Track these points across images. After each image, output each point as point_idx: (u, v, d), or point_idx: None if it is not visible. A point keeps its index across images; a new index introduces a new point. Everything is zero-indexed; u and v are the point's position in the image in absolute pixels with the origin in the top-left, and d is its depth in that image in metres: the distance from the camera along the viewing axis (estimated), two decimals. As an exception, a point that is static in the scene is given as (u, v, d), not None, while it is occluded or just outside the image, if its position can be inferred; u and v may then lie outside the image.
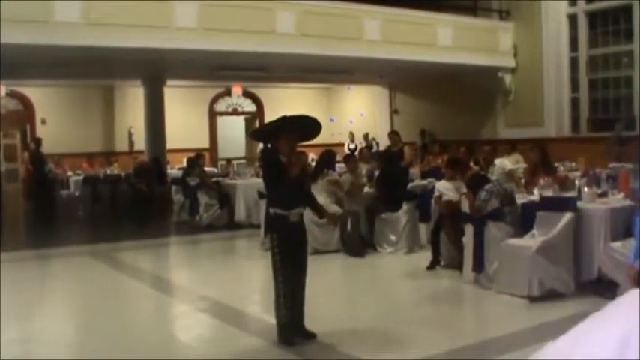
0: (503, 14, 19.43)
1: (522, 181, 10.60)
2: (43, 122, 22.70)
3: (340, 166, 14.72)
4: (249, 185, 14.36)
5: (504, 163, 10.53)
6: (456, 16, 18.61)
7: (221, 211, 14.94)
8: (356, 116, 26.19)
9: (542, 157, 10.55)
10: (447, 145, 15.36)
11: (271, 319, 6.47)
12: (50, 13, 12.76)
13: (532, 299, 7.63)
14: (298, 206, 6.42)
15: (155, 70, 18.21)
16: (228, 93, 25.79)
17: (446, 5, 18.73)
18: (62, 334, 7.42)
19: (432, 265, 9.76)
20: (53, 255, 12.50)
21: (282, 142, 6.29)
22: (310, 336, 6.43)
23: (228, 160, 18.80)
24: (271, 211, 6.43)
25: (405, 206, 10.93)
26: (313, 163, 13.07)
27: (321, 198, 11.19)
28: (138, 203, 17.13)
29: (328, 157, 11.95)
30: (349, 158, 12.69)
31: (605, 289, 7.64)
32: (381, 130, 23.42)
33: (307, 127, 6.49)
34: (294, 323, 6.43)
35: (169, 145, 19.24)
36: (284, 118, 6.31)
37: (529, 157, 11.26)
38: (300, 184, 6.44)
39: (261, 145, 19.32)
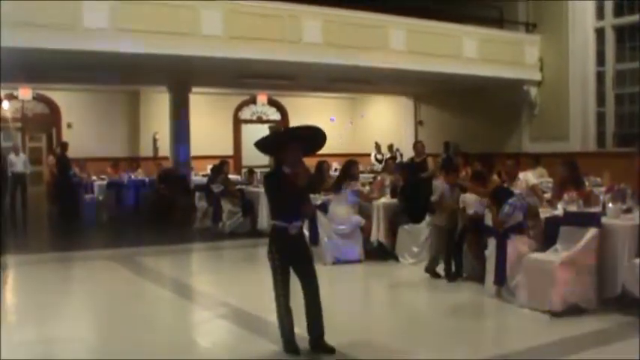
0: (530, 27, 19.37)
1: (546, 195, 10.52)
2: (69, 126, 22.89)
3: (364, 177, 14.70)
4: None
5: (528, 176, 10.48)
6: (481, 28, 18.58)
7: (244, 219, 14.96)
8: (356, 119, 26.34)
9: (572, 171, 10.46)
10: (469, 157, 15.28)
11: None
12: (78, 19, 12.88)
13: (554, 314, 7.57)
14: (298, 219, 6.37)
15: (181, 76, 18.31)
16: (253, 101, 25.91)
17: (472, 17, 18.69)
18: (83, 336, 7.47)
19: (454, 277, 9.73)
20: (76, 258, 12.60)
21: (285, 153, 6.27)
22: (329, 351, 6.29)
23: (251, 170, 18.85)
24: (271, 222, 6.44)
25: (427, 218, 10.87)
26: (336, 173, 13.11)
27: (342, 208, 11.20)
28: (161, 209, 17.21)
29: (350, 167, 11.96)
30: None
31: (628, 306, 7.60)
32: (405, 141, 23.37)
33: (312, 138, 6.44)
34: (313, 337, 6.33)
35: (194, 152, 19.32)
36: (287, 130, 6.31)
37: (557, 171, 11.17)
38: (301, 197, 6.38)
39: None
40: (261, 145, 6.54)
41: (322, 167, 12.18)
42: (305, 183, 6.29)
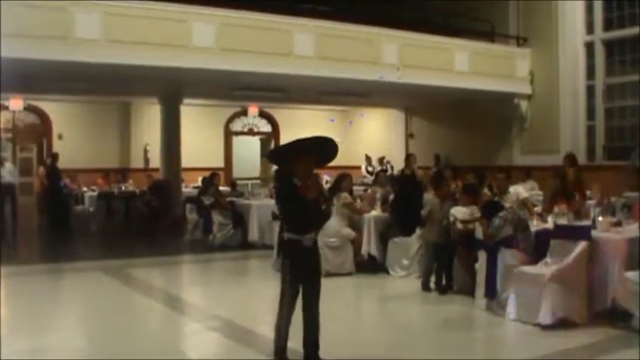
0: (521, 41, 19.45)
1: (537, 208, 10.56)
2: (60, 137, 22.84)
3: (355, 189, 14.69)
4: (263, 206, 14.38)
5: (519, 190, 10.51)
6: (473, 41, 18.64)
7: (234, 231, 14.94)
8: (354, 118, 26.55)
9: (563, 185, 10.52)
10: (460, 170, 15.37)
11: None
12: (71, 30, 12.90)
13: (544, 327, 7.57)
14: (311, 231, 6.24)
15: (172, 88, 18.32)
16: (244, 113, 25.91)
17: (463, 30, 18.77)
18: (72, 348, 7.42)
19: (444, 290, 9.74)
20: (66, 270, 12.55)
21: (298, 164, 6.13)
22: None
23: (234, 183, 18.94)
24: (285, 235, 6.26)
25: (417, 231, 10.88)
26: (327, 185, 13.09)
27: (335, 221, 11.19)
28: (152, 220, 17.21)
29: (342, 180, 11.97)
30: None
31: (618, 319, 7.61)
32: (396, 154, 23.41)
33: (324, 149, 6.32)
34: (308, 352, 6.25)
35: (185, 164, 19.31)
36: (300, 140, 6.19)
37: (549, 184, 11.21)
38: (314, 208, 6.25)
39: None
40: (273, 156, 6.54)
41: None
42: (317, 195, 6.19)
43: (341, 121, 27.38)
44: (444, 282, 9.83)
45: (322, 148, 6.32)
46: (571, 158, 13.98)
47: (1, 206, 18.63)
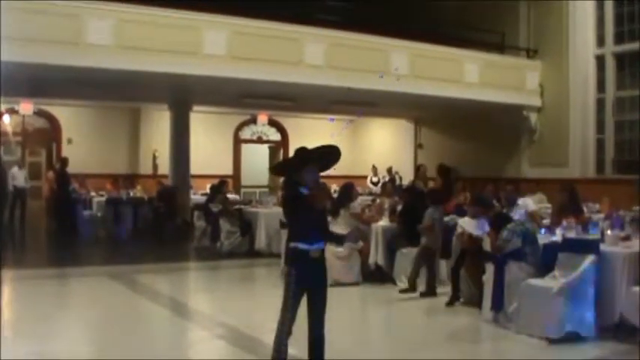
0: (531, 52, 19.42)
1: (545, 221, 10.53)
2: (69, 142, 22.86)
3: (363, 199, 14.68)
4: (271, 214, 14.38)
5: (528, 202, 10.49)
6: (483, 52, 18.63)
7: (242, 239, 14.93)
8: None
9: (571, 198, 10.48)
10: (471, 181, 15.37)
11: (290, 349, 6.20)
12: (82, 36, 12.94)
13: (551, 341, 7.56)
14: (320, 241, 6.12)
15: (182, 95, 18.36)
16: (253, 121, 25.89)
17: (473, 42, 18.75)
18: (78, 353, 7.43)
19: (451, 302, 9.72)
20: (73, 274, 12.58)
21: (303, 174, 6.05)
22: None
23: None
24: (291, 245, 6.10)
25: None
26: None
27: (342, 231, 11.18)
28: (158, 227, 17.25)
29: (347, 190, 11.97)
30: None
31: (626, 334, 7.58)
32: (405, 164, 23.39)
33: (326, 155, 6.25)
34: None
35: (193, 171, 19.32)
36: (303, 151, 6.16)
37: (556, 197, 11.18)
38: (322, 218, 6.19)
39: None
40: (278, 170, 6.51)
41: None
42: (324, 204, 6.12)
43: (348, 132, 27.29)
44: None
45: (324, 156, 6.26)
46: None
47: (11, 210, 18.74)
